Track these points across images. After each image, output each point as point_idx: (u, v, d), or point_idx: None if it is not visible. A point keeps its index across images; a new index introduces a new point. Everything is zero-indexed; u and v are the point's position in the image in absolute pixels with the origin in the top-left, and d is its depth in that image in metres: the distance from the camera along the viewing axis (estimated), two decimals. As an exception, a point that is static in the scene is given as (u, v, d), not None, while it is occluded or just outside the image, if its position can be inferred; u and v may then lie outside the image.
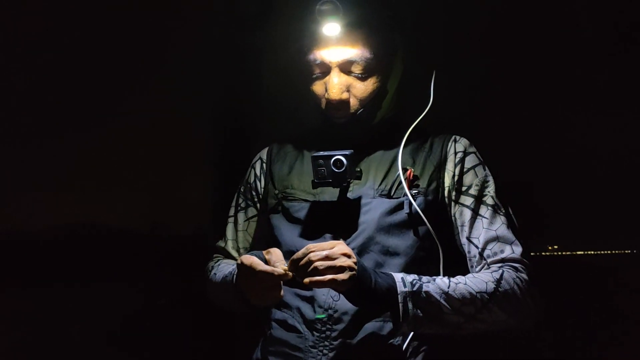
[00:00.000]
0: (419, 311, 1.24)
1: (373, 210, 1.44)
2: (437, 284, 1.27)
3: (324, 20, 1.38)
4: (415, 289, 1.24)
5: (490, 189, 1.43)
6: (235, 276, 1.38)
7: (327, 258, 1.19)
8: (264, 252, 1.31)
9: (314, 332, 1.37)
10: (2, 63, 2.89)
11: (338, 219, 1.46)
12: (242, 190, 1.65)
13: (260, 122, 2.51)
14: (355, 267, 1.20)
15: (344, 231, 1.45)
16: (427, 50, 1.65)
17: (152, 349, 3.13)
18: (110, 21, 3.04)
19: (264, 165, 1.62)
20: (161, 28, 3.07)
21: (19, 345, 3.16)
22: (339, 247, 1.21)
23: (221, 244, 1.64)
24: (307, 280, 1.18)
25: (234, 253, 1.62)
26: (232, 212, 1.65)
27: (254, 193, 1.61)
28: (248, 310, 1.40)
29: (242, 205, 1.63)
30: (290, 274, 1.22)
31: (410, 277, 1.27)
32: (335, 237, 1.41)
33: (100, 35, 3.06)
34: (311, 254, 1.19)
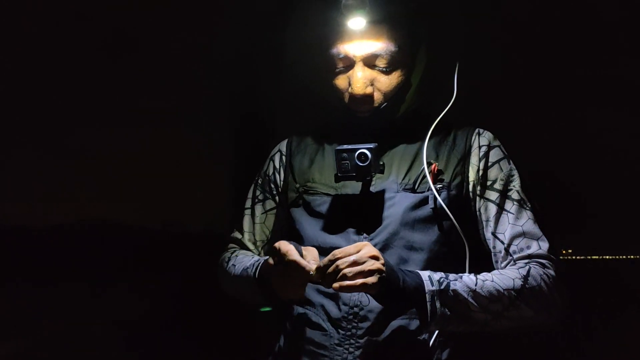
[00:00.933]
0: (446, 310, 1.22)
1: (397, 205, 1.40)
2: (464, 281, 1.25)
3: (349, 15, 1.37)
4: (442, 287, 1.22)
5: (516, 183, 1.40)
6: (257, 268, 1.36)
7: (355, 263, 1.16)
8: (302, 247, 1.29)
9: (339, 330, 1.35)
10: (11, 59, 2.90)
11: (361, 213, 1.42)
12: (259, 182, 1.62)
13: (274, 120, 2.50)
14: (384, 269, 1.18)
15: (367, 226, 1.41)
16: (451, 43, 1.62)
17: (164, 343, 3.13)
18: (125, 20, 3.04)
19: (284, 157, 1.59)
20: (176, 26, 3.08)
21: (34, 341, 3.17)
22: (366, 249, 1.19)
23: (237, 235, 1.61)
24: (336, 285, 1.16)
25: (251, 246, 1.59)
26: (248, 204, 1.61)
27: (272, 186, 1.59)
28: (267, 305, 1.39)
29: (260, 197, 1.60)
30: (317, 277, 1.20)
31: (437, 275, 1.24)
32: (358, 232, 1.39)
33: (111, 34, 3.07)
34: (339, 261, 1.17)
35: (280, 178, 1.58)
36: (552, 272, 1.32)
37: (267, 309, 1.39)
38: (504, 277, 1.28)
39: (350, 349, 1.33)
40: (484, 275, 1.29)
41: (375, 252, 1.19)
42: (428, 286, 1.22)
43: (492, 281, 1.27)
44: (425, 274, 1.24)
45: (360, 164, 1.37)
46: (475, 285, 1.25)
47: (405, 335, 1.31)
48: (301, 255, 1.24)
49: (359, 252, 1.18)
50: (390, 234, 1.36)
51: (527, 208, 1.38)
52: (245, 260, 1.47)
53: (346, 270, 1.15)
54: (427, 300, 1.21)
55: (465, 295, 1.23)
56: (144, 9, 2.88)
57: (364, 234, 1.37)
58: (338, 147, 1.39)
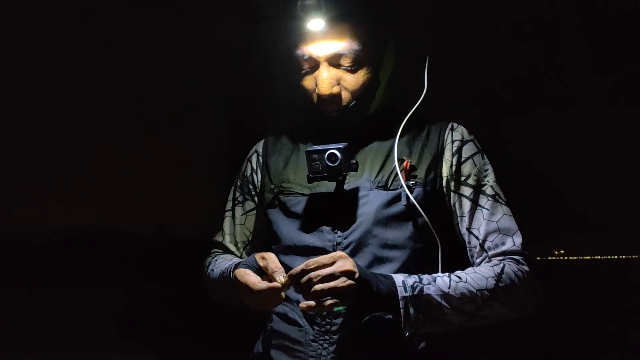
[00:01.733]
0: (420, 315, 1.23)
1: (370, 203, 1.40)
2: (438, 285, 1.26)
3: (307, 16, 1.37)
4: (416, 292, 1.23)
5: (490, 178, 1.41)
6: (232, 272, 1.38)
7: (328, 277, 1.18)
8: (257, 256, 1.29)
9: (314, 326, 1.37)
10: (4, 61, 2.90)
11: (335, 211, 1.43)
12: (238, 183, 1.63)
13: (268, 123, 2.51)
14: (355, 285, 1.19)
15: (340, 224, 1.41)
16: (420, 38, 1.62)
17: (155, 345, 3.13)
18: (115, 21, 3.05)
19: (260, 158, 1.61)
20: (163, 30, 3.09)
21: (29, 342, 3.17)
22: (340, 263, 1.19)
23: (219, 238, 1.62)
24: (304, 305, 1.18)
25: (232, 247, 1.61)
26: (229, 205, 1.63)
27: (251, 187, 1.60)
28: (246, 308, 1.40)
29: (240, 199, 1.61)
30: (289, 282, 1.21)
31: (411, 280, 1.25)
32: (333, 230, 1.40)
33: (106, 36, 3.08)
34: (312, 274, 1.18)
35: (257, 179, 1.59)
36: (526, 267, 1.34)
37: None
38: (477, 276, 1.30)
39: (325, 345, 1.34)
40: (457, 276, 1.30)
41: (349, 266, 1.19)
42: (401, 292, 1.23)
43: (466, 282, 1.28)
44: (399, 279, 1.25)
45: (331, 165, 1.37)
46: (449, 287, 1.26)
47: (379, 330, 1.32)
48: (259, 268, 1.26)
49: (333, 265, 1.19)
50: (363, 232, 1.37)
51: (502, 202, 1.40)
52: (223, 264, 1.49)
53: (318, 287, 1.16)
54: (401, 306, 1.22)
55: (439, 300, 1.25)
56: (146, 11, 2.89)
57: (338, 232, 1.38)
58: (308, 149, 1.40)
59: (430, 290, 1.24)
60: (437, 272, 1.33)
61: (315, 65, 1.43)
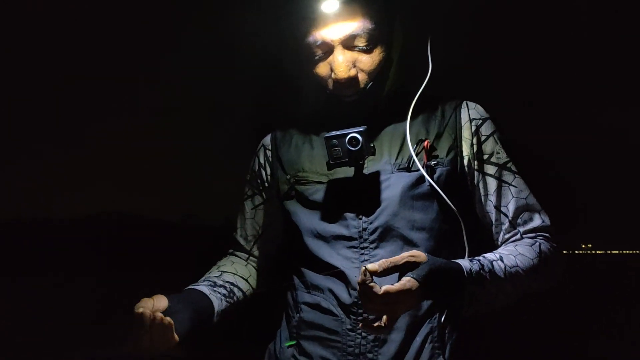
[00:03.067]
0: (475, 302, 1.25)
1: (394, 186, 1.37)
2: (495, 271, 1.28)
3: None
4: (479, 281, 1.25)
5: (511, 155, 1.42)
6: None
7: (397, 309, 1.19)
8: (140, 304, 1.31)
9: (351, 315, 1.35)
10: (31, 57, 2.94)
11: (357, 197, 1.41)
12: (247, 178, 1.64)
13: (290, 115, 2.49)
14: (418, 294, 1.19)
15: (364, 209, 1.39)
16: (427, 13, 1.59)
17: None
18: (144, 18, 3.06)
19: (268, 152, 1.58)
20: (196, 24, 3.09)
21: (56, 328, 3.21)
22: (400, 295, 1.20)
23: (233, 233, 1.64)
24: (377, 331, 1.21)
25: (242, 241, 1.60)
26: (241, 201, 1.64)
27: (259, 181, 1.58)
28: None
29: (249, 193, 1.60)
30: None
31: (475, 267, 1.26)
32: (357, 216, 1.39)
33: (123, 33, 3.10)
34: (384, 308, 1.19)
35: (266, 173, 1.57)
36: (554, 243, 1.35)
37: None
38: (524, 258, 1.30)
39: (364, 334, 1.33)
40: (509, 260, 1.29)
41: (406, 285, 1.18)
42: (468, 283, 1.21)
43: (517, 266, 1.28)
44: (466, 267, 1.23)
45: (352, 149, 1.34)
46: (504, 274, 1.26)
47: (416, 317, 1.31)
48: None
49: (395, 299, 1.17)
50: (390, 215, 1.35)
51: (525, 179, 1.40)
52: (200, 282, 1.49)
53: (388, 314, 1.16)
54: (465, 304, 1.21)
55: (495, 288, 1.24)
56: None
57: (363, 218, 1.36)
58: (327, 135, 1.37)
59: (487, 279, 1.24)
60: (464, 252, 1.32)
61: (328, 50, 1.41)
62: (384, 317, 1.16)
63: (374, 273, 1.14)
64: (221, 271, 1.51)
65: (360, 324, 1.17)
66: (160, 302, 1.25)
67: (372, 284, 1.13)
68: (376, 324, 1.15)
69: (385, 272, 1.16)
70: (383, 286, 1.12)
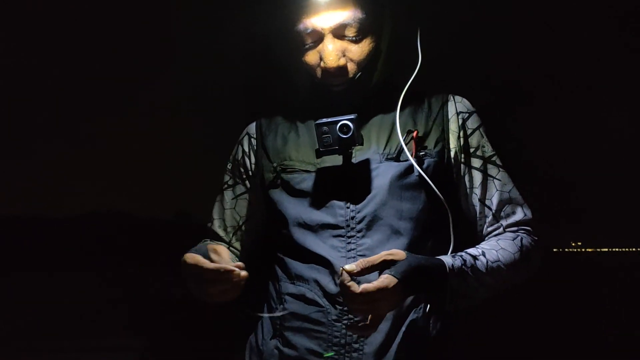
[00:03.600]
0: (457, 297, 1.28)
1: (382, 175, 1.38)
2: (477, 267, 1.30)
3: None
4: (461, 276, 1.27)
5: (494, 149, 1.45)
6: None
7: (378, 307, 1.21)
8: (209, 247, 1.26)
9: (337, 306, 1.36)
10: (30, 57, 2.94)
11: (345, 185, 1.42)
12: (229, 167, 1.62)
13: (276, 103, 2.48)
14: (399, 291, 1.21)
15: (352, 197, 1.41)
16: (418, 4, 1.60)
17: (171, 330, 3.16)
18: (138, 16, 3.07)
19: (253, 140, 1.57)
20: (189, 21, 3.09)
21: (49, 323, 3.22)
22: (379, 293, 1.21)
23: (209, 224, 1.62)
24: (361, 331, 1.22)
25: (222, 233, 1.58)
26: (219, 191, 1.62)
27: (242, 170, 1.57)
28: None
29: (230, 182, 1.58)
30: (246, 276, 1.19)
31: (457, 263, 1.28)
32: (345, 204, 1.40)
33: (132, 30, 3.10)
34: (365, 306, 1.21)
35: (250, 162, 1.56)
36: (535, 237, 1.38)
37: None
38: (506, 253, 1.33)
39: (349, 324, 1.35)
40: (491, 255, 1.32)
41: (386, 282, 1.19)
42: (451, 280, 1.24)
43: (498, 260, 1.31)
44: (448, 262, 1.25)
45: (343, 136, 1.35)
46: (486, 269, 1.28)
47: (401, 308, 1.33)
48: (210, 260, 1.22)
49: (376, 296, 1.18)
50: (379, 204, 1.36)
51: (508, 172, 1.43)
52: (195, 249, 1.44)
53: (370, 313, 1.18)
54: (447, 299, 1.23)
55: (477, 283, 1.27)
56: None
57: (351, 206, 1.38)
58: (317, 122, 1.38)
59: (471, 272, 1.26)
60: (449, 243, 1.34)
61: (318, 38, 1.42)
62: (369, 316, 1.18)
63: (351, 273, 1.16)
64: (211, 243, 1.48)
65: (347, 328, 1.20)
66: (224, 254, 1.24)
67: (349, 283, 1.14)
68: (361, 324, 1.17)
69: (364, 272, 1.17)
70: (361, 285, 1.14)
